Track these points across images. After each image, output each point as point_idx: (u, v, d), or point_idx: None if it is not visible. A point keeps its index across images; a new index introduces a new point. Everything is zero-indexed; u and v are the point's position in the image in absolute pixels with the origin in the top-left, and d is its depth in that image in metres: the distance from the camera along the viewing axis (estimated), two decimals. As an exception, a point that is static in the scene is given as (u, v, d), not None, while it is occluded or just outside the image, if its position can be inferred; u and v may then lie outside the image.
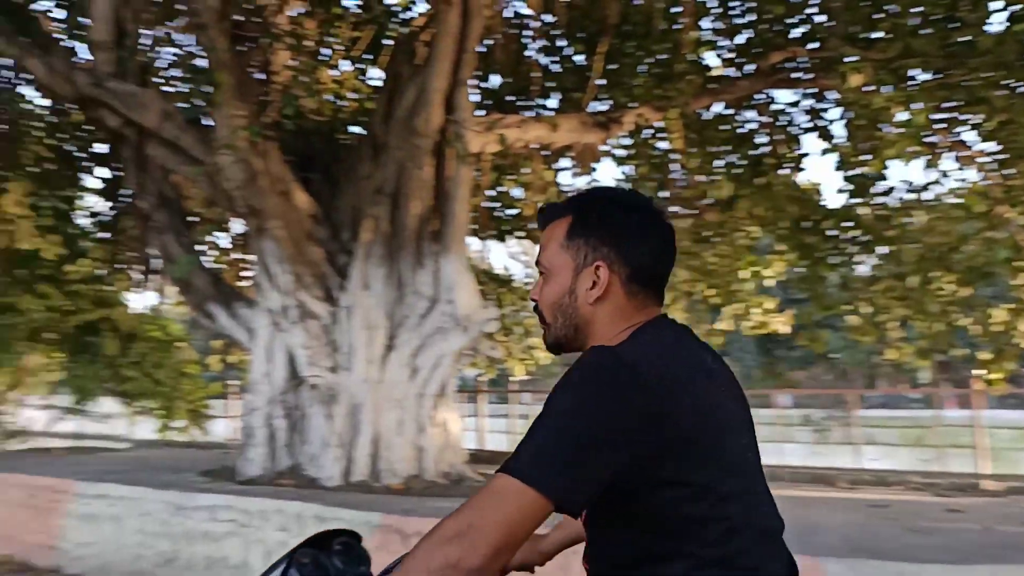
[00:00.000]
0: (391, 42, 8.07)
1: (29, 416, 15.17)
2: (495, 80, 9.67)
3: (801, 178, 10.09)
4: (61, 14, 9.41)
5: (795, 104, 9.67)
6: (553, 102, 9.91)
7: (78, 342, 12.70)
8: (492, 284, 12.11)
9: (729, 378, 1.28)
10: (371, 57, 8.66)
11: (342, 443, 6.33)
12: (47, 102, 10.45)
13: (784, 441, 13.14)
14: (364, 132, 7.61)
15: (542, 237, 1.34)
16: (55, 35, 8.98)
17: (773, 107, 9.77)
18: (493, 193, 10.94)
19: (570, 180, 11.02)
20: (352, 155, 7.36)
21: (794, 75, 8.94)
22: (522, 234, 11.72)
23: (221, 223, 10.90)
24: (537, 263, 1.35)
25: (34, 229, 11.23)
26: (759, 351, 32.30)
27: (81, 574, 6.10)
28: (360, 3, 7.68)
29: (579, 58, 9.52)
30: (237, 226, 10.88)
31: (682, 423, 1.11)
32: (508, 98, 9.68)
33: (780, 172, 9.75)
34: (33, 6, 8.72)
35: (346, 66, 8.67)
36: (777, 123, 9.78)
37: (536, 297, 1.34)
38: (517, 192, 11.20)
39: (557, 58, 9.77)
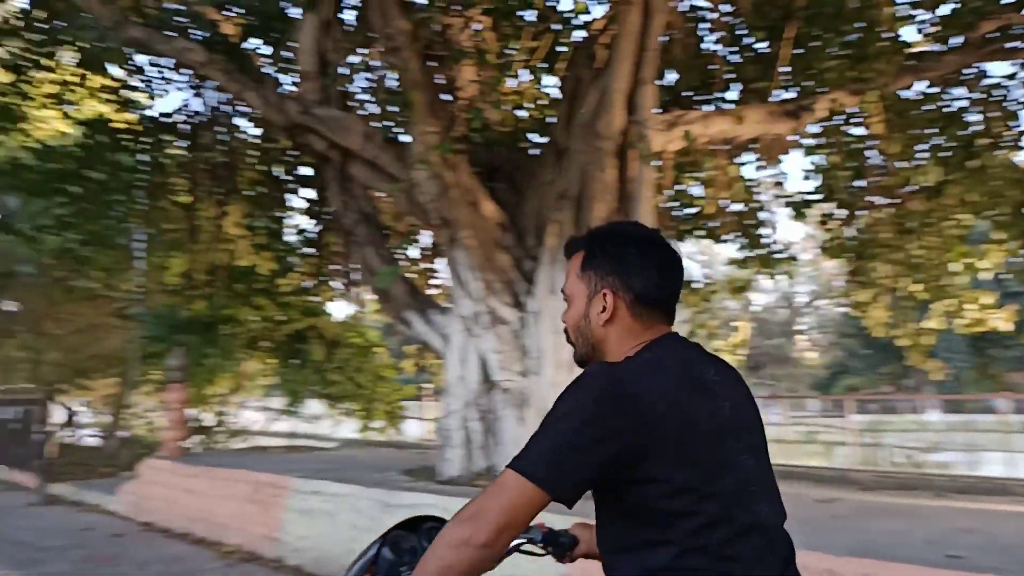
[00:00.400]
0: (566, 49, 8.13)
1: (248, 417, 16.85)
2: (670, 76, 9.48)
3: (1021, 158, 9.07)
4: (267, 50, 10.37)
5: (1011, 77, 8.70)
6: (733, 94, 9.56)
7: (289, 349, 13.90)
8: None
9: (734, 389, 1.46)
10: (547, 65, 8.77)
11: (535, 446, 6.44)
12: (258, 131, 11.57)
13: (1008, 451, 11.82)
14: (546, 139, 7.73)
15: (566, 269, 1.58)
16: (263, 70, 9.92)
17: (985, 82, 8.84)
18: (671, 192, 10.71)
19: (755, 174, 10.54)
20: (535, 162, 7.50)
21: (1009, 45, 8.03)
22: (701, 233, 11.39)
23: (411, 235, 11.49)
24: (562, 291, 1.58)
25: (250, 247, 12.48)
26: (971, 351, 29.29)
27: (300, 565, 6.61)
28: (538, 13, 7.81)
29: (760, 46, 9.11)
30: (426, 237, 11.46)
31: (661, 431, 1.29)
32: (684, 94, 9.46)
33: (996, 153, 8.80)
34: (244, 44, 9.69)
35: (525, 76, 8.85)
36: (991, 99, 8.84)
37: (565, 320, 1.57)
38: (696, 190, 10.90)
39: (736, 48, 9.41)
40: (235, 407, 16.36)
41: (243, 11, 8.36)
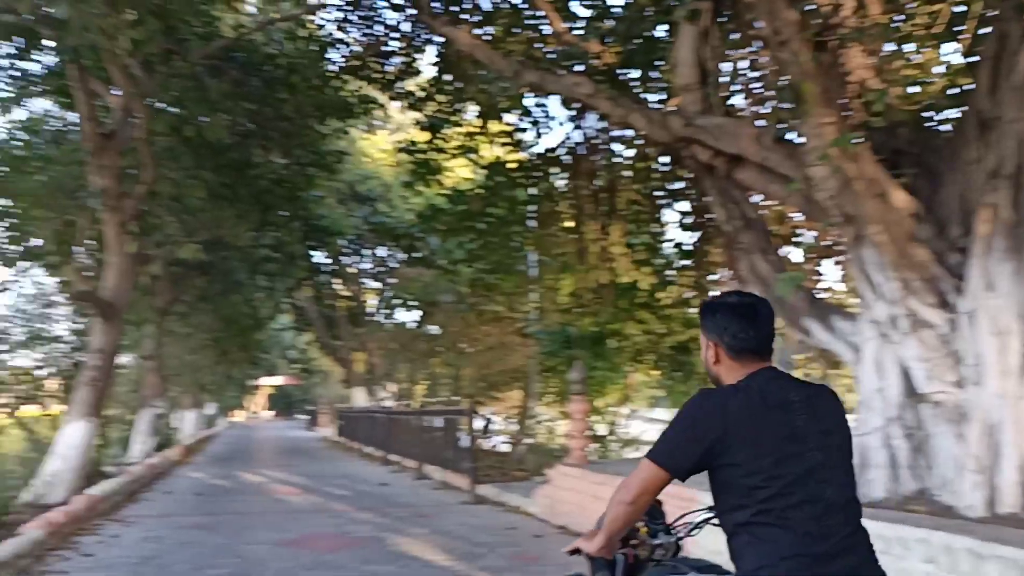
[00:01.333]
0: (967, 8, 6.96)
1: (637, 427, 17.40)
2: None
3: None
4: (635, 73, 10.69)
5: None
6: None
7: (673, 361, 14.10)
8: None
9: (815, 406, 2.13)
10: (943, 31, 7.61)
11: (980, 468, 5.51)
12: (630, 153, 12.00)
13: None
14: (961, 113, 6.68)
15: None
16: (637, 93, 10.25)
17: None
18: None
19: None
20: (951, 140, 6.53)
21: None
22: None
23: (794, 238, 10.86)
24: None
25: (630, 264, 12.93)
26: None
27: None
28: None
29: None
30: (808, 238, 10.74)
31: (737, 434, 2.03)
32: None
33: None
34: (619, 72, 10.13)
35: (924, 46, 7.79)
36: None
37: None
38: None
39: None
40: (624, 417, 17.00)
41: (617, 39, 8.74)
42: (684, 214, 12.10)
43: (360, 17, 11.74)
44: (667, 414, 16.16)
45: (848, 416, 2.27)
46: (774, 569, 1.98)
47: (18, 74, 11.71)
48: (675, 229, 12.57)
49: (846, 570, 2.01)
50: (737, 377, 2.15)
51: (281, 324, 39.95)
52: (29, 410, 14.35)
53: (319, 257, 26.29)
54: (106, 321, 11.20)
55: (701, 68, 6.99)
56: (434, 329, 24.07)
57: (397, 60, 12.02)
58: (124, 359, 20.41)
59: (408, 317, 29.61)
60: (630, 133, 11.25)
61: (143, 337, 18.80)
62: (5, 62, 11.11)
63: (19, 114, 13.74)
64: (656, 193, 12.37)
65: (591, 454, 14.07)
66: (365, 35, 11.95)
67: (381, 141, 26.20)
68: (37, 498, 10.09)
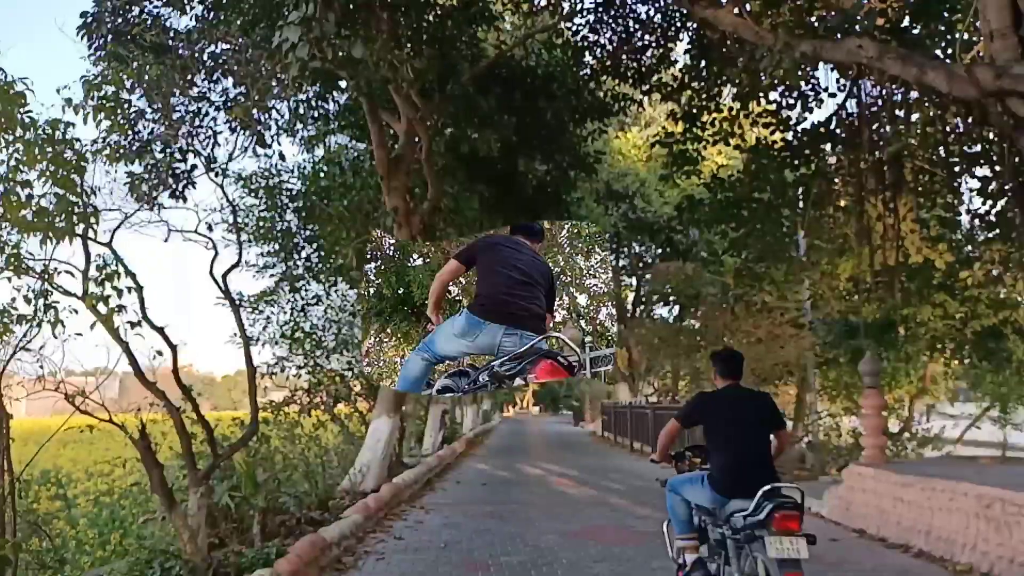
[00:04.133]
0: None
1: (936, 423, 15.53)
2: None
3: None
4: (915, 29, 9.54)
5: None
6: None
7: (979, 347, 12.41)
8: None
9: (747, 404, 5.08)
10: None
11: None
12: (914, 118, 10.74)
13: None
14: None
15: None
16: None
17: None
18: None
19: None
20: None
21: None
22: None
23: None
24: None
25: (921, 242, 11.59)
26: None
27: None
28: None
29: None
30: None
31: (706, 414, 5.15)
32: None
33: None
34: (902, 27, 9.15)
35: None
36: None
37: None
38: None
39: None
40: (920, 413, 15.29)
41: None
42: (985, 180, 10.61)
43: (612, 16, 11.83)
44: (974, 408, 14.29)
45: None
46: (718, 469, 4.85)
47: (318, 115, 13.40)
48: (974, 199, 11.05)
49: (753, 476, 4.51)
50: (720, 386, 5.10)
51: (543, 323, 41.31)
52: (340, 408, 16.27)
53: (577, 257, 26.82)
54: (402, 327, 12.36)
55: (1014, 9, 6.06)
56: (695, 323, 23.56)
57: (650, 53, 11.94)
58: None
59: (667, 312, 29.29)
60: (914, 96, 10.11)
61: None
62: (308, 105, 12.79)
63: (318, 150, 15.70)
64: (949, 160, 10.97)
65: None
66: (617, 33, 12.02)
67: (634, 138, 26.23)
68: (352, 486, 11.38)
